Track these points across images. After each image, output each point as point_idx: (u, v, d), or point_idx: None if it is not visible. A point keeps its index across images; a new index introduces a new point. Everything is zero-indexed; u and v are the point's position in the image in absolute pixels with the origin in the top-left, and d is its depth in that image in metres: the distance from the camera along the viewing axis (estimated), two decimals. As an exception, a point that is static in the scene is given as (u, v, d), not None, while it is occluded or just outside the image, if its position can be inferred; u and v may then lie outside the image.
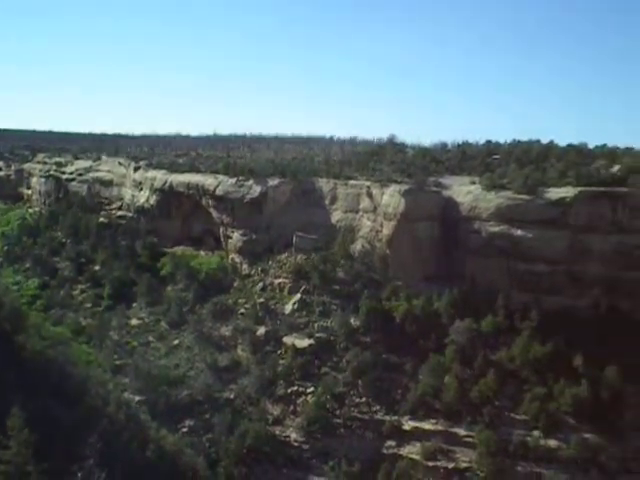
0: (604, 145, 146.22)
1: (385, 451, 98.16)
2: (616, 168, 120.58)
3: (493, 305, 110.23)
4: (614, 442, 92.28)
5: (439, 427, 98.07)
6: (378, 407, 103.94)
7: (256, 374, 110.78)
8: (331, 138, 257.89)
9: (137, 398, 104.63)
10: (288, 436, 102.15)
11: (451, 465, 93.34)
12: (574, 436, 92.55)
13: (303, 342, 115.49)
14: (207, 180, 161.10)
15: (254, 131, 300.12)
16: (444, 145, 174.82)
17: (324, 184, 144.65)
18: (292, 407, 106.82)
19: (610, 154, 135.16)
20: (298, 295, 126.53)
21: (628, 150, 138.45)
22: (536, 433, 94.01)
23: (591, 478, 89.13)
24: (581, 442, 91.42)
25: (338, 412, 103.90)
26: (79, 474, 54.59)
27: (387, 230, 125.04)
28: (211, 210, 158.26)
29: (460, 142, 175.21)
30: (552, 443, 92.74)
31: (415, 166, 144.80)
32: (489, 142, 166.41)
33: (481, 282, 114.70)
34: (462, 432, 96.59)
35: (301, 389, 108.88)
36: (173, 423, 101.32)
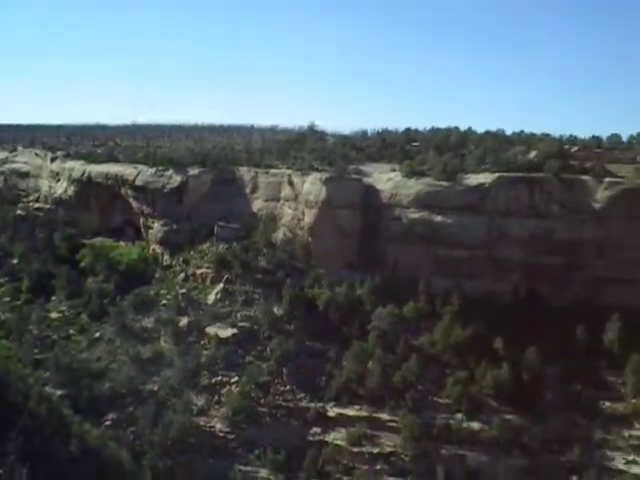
0: (521, 131, 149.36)
1: (310, 438, 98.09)
2: (533, 154, 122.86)
3: (415, 291, 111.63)
4: (535, 423, 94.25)
5: (363, 413, 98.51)
6: (302, 395, 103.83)
7: (179, 365, 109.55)
8: (251, 127, 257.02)
9: (59, 392, 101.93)
10: (213, 426, 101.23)
11: (376, 450, 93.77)
12: (496, 418, 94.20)
13: (226, 332, 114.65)
14: (126, 170, 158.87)
15: (173, 120, 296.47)
16: (364, 133, 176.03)
17: (245, 173, 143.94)
18: (216, 397, 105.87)
19: (527, 140, 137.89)
20: (220, 285, 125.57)
21: (545, 136, 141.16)
22: (459, 416, 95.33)
23: (513, 458, 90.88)
24: (503, 424, 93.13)
25: (263, 401, 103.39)
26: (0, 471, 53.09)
27: (309, 218, 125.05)
28: (131, 200, 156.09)
29: (380, 130, 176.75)
30: (475, 425, 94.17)
31: (336, 154, 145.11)
32: (408, 129, 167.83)
33: (402, 268, 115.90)
34: (386, 417, 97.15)
35: (225, 379, 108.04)
36: (96, 417, 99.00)
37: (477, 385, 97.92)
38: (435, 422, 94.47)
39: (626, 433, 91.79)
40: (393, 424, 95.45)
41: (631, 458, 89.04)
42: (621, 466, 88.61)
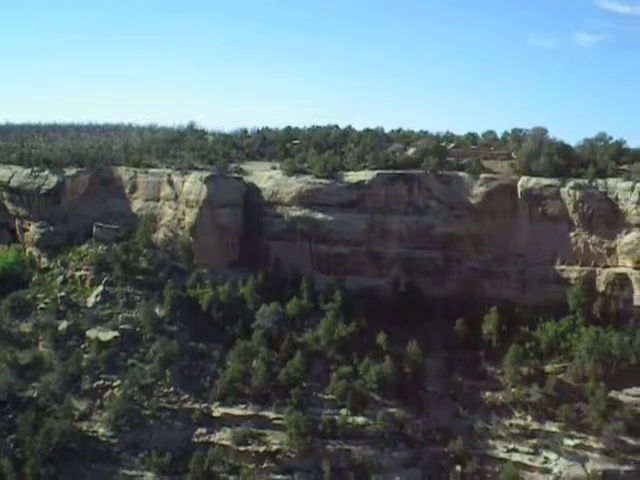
0: (400, 129, 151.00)
1: (196, 439, 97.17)
2: (411, 151, 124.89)
3: (297, 288, 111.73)
4: (418, 415, 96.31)
5: (249, 411, 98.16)
6: (187, 396, 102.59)
7: (60, 370, 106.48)
8: (130, 125, 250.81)
9: None
10: (96, 431, 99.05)
11: (262, 448, 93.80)
12: (380, 412, 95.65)
13: (107, 335, 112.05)
14: (0, 172, 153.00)
15: (49, 120, 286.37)
16: (244, 131, 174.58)
17: (123, 173, 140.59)
18: (99, 401, 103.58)
19: (405, 138, 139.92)
20: (100, 287, 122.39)
21: (422, 133, 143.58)
22: (344, 411, 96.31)
23: (398, 451, 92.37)
24: (387, 417, 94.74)
25: (146, 403, 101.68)
26: None
27: (190, 218, 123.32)
28: (5, 202, 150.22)
29: (260, 128, 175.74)
30: (360, 420, 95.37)
31: (216, 152, 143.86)
32: (289, 128, 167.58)
33: (285, 266, 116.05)
34: (272, 415, 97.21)
35: (107, 383, 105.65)
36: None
37: (361, 380, 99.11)
38: (320, 418, 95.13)
39: (506, 422, 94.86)
40: (279, 422, 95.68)
41: (512, 447, 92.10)
42: (502, 455, 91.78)
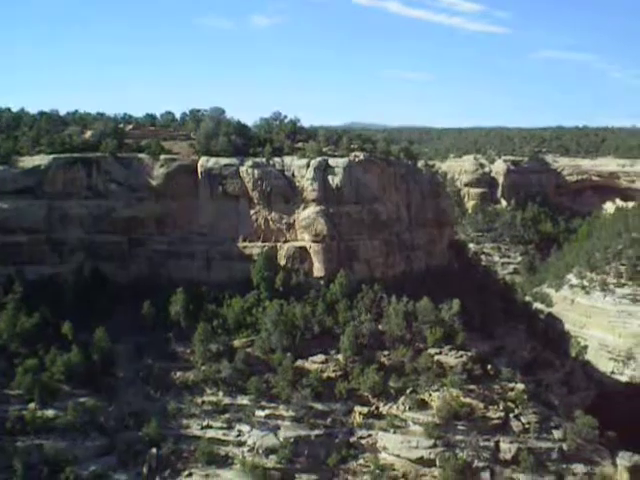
0: (76, 111, 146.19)
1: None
2: (89, 134, 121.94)
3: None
4: (110, 402, 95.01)
5: None
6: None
7: None
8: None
9: None
10: None
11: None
12: (70, 402, 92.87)
13: None
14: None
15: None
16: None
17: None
18: None
19: (82, 120, 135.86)
20: None
21: (100, 116, 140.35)
22: (32, 405, 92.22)
23: (92, 440, 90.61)
24: (78, 407, 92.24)
25: None
26: None
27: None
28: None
29: None
30: (49, 413, 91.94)
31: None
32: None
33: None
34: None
35: None
36: None
37: (48, 371, 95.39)
38: (8, 415, 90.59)
39: (199, 400, 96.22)
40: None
41: (205, 423, 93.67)
42: (197, 432, 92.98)
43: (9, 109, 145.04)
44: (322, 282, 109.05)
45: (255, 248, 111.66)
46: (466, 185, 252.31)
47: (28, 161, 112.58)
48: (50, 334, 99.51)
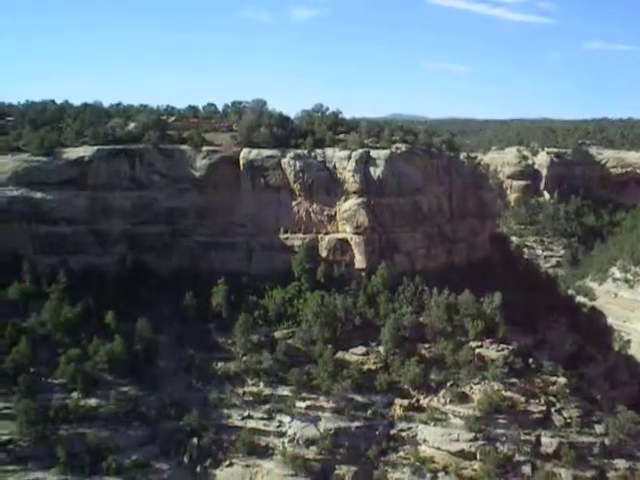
0: (119, 103, 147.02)
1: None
2: (132, 126, 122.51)
3: (19, 271, 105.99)
4: (151, 392, 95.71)
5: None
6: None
7: None
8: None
9: None
10: None
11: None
12: (113, 392, 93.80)
13: None
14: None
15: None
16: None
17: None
18: None
19: (125, 112, 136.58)
20: None
21: (143, 107, 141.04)
22: (75, 394, 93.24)
23: (134, 429, 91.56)
24: (120, 396, 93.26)
25: None
26: None
27: None
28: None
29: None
30: (92, 402, 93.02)
31: None
32: (1, 104, 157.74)
33: (4, 249, 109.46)
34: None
35: None
36: None
37: (91, 361, 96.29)
38: (51, 403, 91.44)
39: (240, 390, 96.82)
40: (7, 411, 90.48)
41: (246, 414, 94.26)
42: (238, 423, 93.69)
43: (53, 101, 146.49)
44: (363, 274, 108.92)
45: (296, 240, 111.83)
46: (509, 177, 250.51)
47: (72, 153, 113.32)
48: (93, 324, 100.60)
